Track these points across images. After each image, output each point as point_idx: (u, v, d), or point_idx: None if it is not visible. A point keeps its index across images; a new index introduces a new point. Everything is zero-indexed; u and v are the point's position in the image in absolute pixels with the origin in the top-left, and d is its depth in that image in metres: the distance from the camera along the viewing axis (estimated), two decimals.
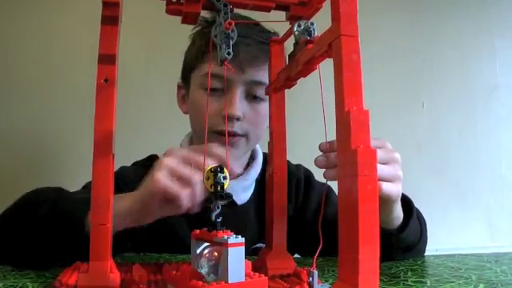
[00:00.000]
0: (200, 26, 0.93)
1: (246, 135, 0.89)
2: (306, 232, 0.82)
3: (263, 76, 0.86)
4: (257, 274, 0.42)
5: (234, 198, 0.94)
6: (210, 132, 0.87)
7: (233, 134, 0.86)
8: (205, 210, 0.46)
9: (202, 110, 0.89)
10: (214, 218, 0.44)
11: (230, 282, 0.39)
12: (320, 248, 0.45)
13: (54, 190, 0.72)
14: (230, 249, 0.39)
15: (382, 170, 0.64)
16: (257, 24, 0.87)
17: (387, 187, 0.64)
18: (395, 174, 0.66)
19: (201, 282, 0.39)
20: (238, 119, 0.84)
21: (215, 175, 0.44)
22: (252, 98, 0.88)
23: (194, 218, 0.57)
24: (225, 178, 0.44)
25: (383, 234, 0.64)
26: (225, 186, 0.45)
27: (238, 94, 0.85)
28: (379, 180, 0.64)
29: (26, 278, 0.58)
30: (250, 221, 0.96)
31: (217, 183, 0.44)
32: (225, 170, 0.45)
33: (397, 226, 0.75)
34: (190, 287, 0.38)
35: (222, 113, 0.84)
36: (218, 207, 0.45)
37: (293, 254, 0.57)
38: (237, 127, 0.85)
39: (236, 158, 0.90)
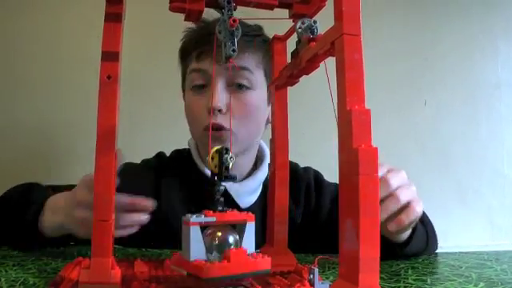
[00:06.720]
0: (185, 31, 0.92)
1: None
2: (320, 234, 0.79)
3: (244, 61, 0.85)
4: (260, 254, 0.42)
5: (237, 201, 0.90)
6: (201, 130, 0.86)
7: (219, 128, 0.82)
8: (208, 192, 0.46)
9: (191, 109, 0.89)
10: (217, 197, 0.44)
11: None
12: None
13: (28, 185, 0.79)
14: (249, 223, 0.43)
15: (408, 194, 0.65)
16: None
17: (419, 209, 0.66)
18: (415, 195, 0.67)
19: (203, 261, 0.39)
20: (219, 111, 0.82)
21: (221, 156, 0.44)
22: (237, 86, 0.85)
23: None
24: (231, 158, 0.44)
25: (388, 245, 0.63)
26: (230, 167, 0.45)
27: (220, 85, 0.83)
28: (411, 205, 0.65)
29: (27, 273, 0.58)
30: None
31: (222, 164, 0.44)
32: (229, 151, 0.45)
33: (402, 240, 0.73)
34: (194, 267, 0.39)
35: (207, 107, 0.83)
36: (222, 188, 0.45)
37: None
38: (221, 119, 0.82)
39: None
